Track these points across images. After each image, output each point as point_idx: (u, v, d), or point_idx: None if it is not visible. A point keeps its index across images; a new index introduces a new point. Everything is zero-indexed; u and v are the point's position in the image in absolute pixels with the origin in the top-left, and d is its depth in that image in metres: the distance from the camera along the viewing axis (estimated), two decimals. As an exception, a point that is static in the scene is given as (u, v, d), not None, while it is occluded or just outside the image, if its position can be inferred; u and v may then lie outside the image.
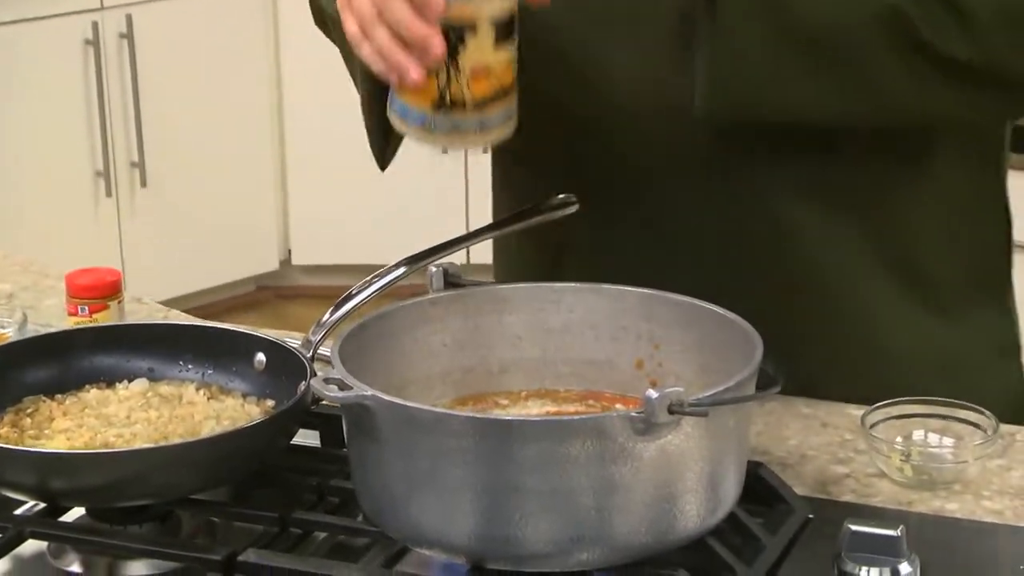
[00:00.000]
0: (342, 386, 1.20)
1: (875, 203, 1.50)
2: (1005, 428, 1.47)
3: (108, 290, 1.70)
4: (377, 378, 1.31)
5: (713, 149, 1.47)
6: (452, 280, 1.38)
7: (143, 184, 4.75)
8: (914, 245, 1.52)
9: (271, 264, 5.13)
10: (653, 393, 1.13)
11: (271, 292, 5.18)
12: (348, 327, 1.30)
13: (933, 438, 1.43)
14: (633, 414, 1.14)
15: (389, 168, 1.56)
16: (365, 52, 1.32)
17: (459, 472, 1.16)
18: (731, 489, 1.23)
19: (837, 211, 1.49)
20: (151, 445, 1.29)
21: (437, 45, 1.27)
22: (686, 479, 1.18)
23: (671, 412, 1.14)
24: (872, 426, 1.42)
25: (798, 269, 1.50)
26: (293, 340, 1.63)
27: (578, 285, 1.39)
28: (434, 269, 1.38)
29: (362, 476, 1.23)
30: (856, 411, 1.53)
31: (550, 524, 1.16)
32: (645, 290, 1.37)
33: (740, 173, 1.48)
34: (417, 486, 1.18)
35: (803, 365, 1.42)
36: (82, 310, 1.69)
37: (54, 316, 1.79)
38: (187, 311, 5.00)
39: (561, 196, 1.50)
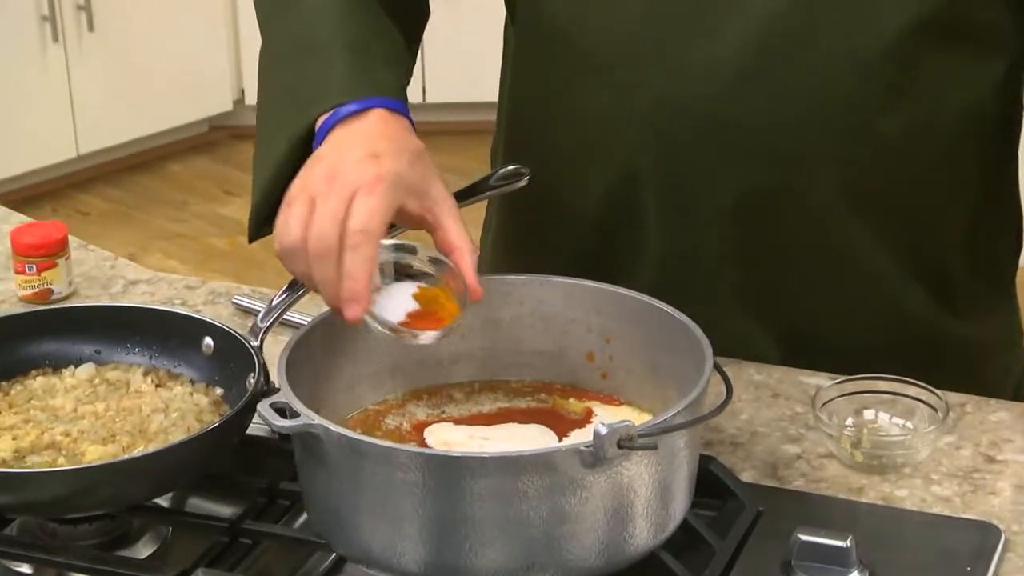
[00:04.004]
0: (290, 412, 1.18)
1: (907, 206, 1.49)
2: (955, 398, 1.48)
3: (55, 248, 1.67)
4: (326, 382, 1.32)
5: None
6: (401, 273, 1.36)
7: (90, 28, 4.67)
8: (938, 245, 1.52)
9: (224, 105, 5.07)
10: (602, 428, 1.12)
11: (225, 132, 5.14)
12: (293, 337, 1.28)
13: (883, 418, 1.43)
14: (582, 448, 1.13)
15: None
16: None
17: (408, 503, 1.15)
18: (681, 503, 1.23)
19: (874, 212, 1.49)
20: (99, 462, 1.27)
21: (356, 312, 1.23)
22: (636, 504, 1.18)
23: (620, 447, 1.13)
24: (823, 404, 1.42)
25: (827, 260, 1.50)
26: (256, 304, 1.62)
27: (527, 277, 1.37)
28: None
29: (312, 495, 1.23)
30: (807, 378, 1.53)
31: (500, 553, 1.16)
32: (595, 284, 1.36)
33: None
34: (366, 512, 1.18)
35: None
36: (29, 269, 1.67)
37: (-1, 267, 1.76)
38: (141, 154, 4.99)
39: (512, 167, 1.47)
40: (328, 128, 1.32)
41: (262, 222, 1.40)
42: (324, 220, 1.22)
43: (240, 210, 4.67)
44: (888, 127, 1.43)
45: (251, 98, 5.05)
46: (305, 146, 1.34)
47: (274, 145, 1.37)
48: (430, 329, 1.27)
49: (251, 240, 1.45)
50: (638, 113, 1.45)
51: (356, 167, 1.25)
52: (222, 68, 5.00)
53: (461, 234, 1.28)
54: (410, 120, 1.34)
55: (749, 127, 1.42)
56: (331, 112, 1.32)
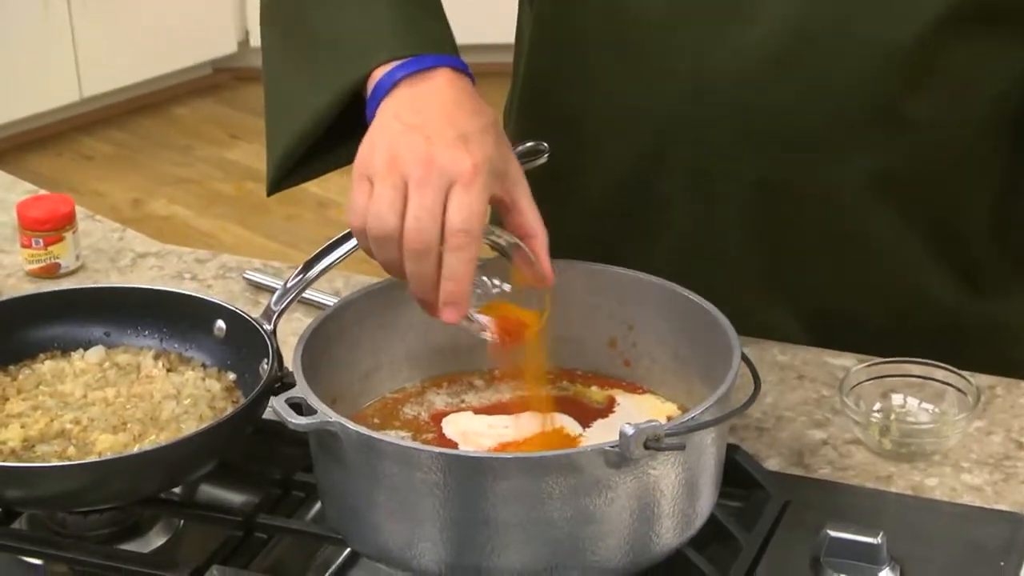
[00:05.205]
0: (306, 408, 1.15)
1: (934, 191, 1.45)
2: (985, 381, 1.45)
3: (62, 221, 1.63)
4: (343, 371, 1.28)
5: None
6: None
7: (93, -29, 4.62)
8: (965, 230, 1.48)
9: (229, 47, 5.02)
10: (628, 428, 1.09)
11: (229, 75, 5.08)
12: (308, 326, 1.24)
13: (912, 403, 1.39)
14: (607, 448, 1.10)
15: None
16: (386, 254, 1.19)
17: (428, 503, 1.12)
18: (708, 499, 1.20)
19: (901, 197, 1.45)
20: (110, 455, 1.24)
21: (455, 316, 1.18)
22: (662, 504, 1.15)
23: (647, 447, 1.10)
24: (851, 388, 1.38)
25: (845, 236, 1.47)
26: (268, 279, 1.59)
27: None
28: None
29: (328, 491, 1.20)
30: (832, 359, 1.49)
31: (523, 555, 1.13)
32: (618, 269, 1.32)
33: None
34: (384, 511, 1.15)
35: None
36: (36, 243, 1.63)
37: (5, 240, 1.72)
38: (145, 97, 4.94)
39: (530, 144, 1.43)
40: (389, 86, 1.24)
41: (284, 175, 1.35)
42: (422, 213, 1.15)
43: (246, 155, 4.62)
44: (917, 113, 1.39)
45: (256, 40, 4.99)
46: (352, 98, 1.28)
47: (310, 94, 1.30)
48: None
49: (270, 193, 1.40)
50: (665, 95, 1.41)
51: (450, 153, 1.17)
52: (226, 10, 4.94)
53: (537, 218, 1.23)
54: (472, 79, 1.28)
55: (778, 112, 1.38)
56: (390, 68, 1.25)
